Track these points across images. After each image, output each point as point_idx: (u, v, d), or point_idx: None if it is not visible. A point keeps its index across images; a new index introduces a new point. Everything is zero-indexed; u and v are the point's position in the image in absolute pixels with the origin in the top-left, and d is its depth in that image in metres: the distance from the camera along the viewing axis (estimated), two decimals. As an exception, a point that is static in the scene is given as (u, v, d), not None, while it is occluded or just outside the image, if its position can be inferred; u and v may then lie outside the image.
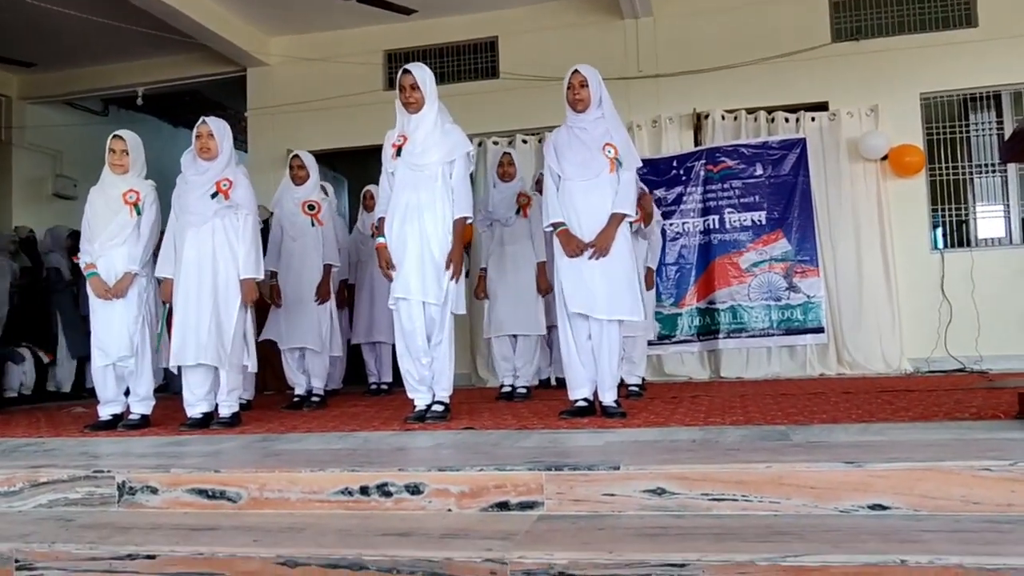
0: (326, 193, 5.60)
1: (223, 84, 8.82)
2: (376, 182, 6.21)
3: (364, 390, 6.40)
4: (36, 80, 8.90)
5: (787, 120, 7.11)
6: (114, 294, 4.24)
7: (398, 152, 3.89)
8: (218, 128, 4.19)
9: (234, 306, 4.09)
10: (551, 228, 3.87)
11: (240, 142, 9.63)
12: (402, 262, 3.84)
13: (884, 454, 2.36)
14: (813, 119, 7.06)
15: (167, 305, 4.26)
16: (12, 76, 8.84)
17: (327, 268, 5.20)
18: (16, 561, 2.26)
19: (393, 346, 6.16)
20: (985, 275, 6.66)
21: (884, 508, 2.16)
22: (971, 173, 7.10)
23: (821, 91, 7.15)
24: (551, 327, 5.67)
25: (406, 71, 3.88)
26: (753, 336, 6.92)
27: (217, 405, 4.21)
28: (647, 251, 5.28)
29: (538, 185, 5.78)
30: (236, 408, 4.25)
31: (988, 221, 7.13)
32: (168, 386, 5.81)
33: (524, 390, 5.34)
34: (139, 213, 4.32)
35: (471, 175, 4.16)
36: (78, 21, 6.99)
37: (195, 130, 4.20)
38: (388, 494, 2.48)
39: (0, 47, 7.21)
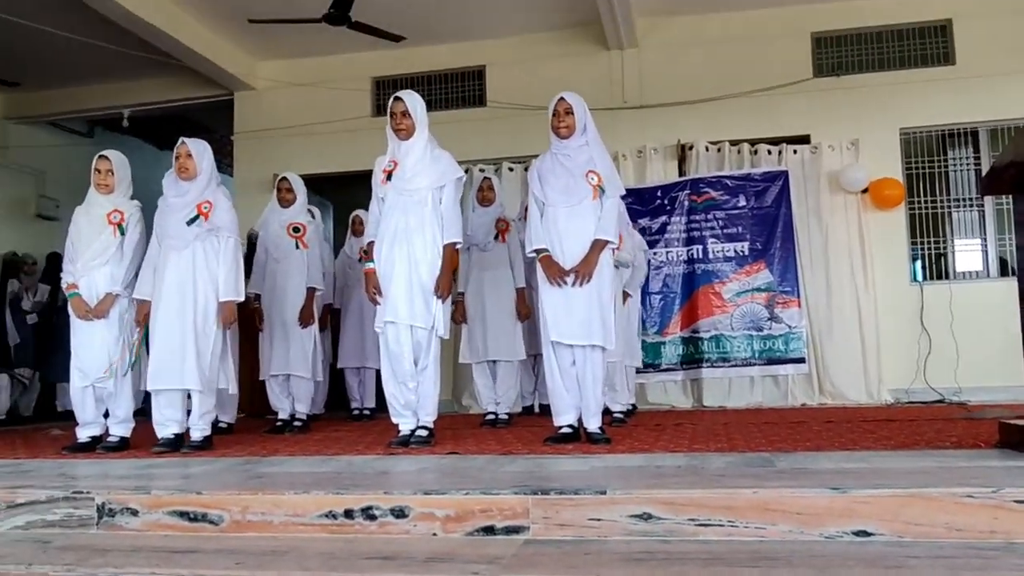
0: (313, 217, 5.60)
1: (209, 107, 8.83)
2: (362, 207, 6.26)
3: (346, 415, 6.36)
4: (21, 99, 8.87)
5: (770, 152, 7.21)
6: (95, 315, 4.21)
7: (388, 177, 3.91)
8: (197, 148, 4.18)
9: (212, 329, 4.07)
10: (534, 254, 3.89)
11: (226, 166, 9.63)
12: (390, 286, 3.84)
13: (868, 481, 2.38)
14: (795, 152, 7.17)
15: (140, 328, 4.23)
16: (-3, 95, 8.83)
17: (310, 292, 5.19)
18: (-9, 583, 2.22)
19: (378, 371, 6.19)
20: (963, 308, 6.75)
21: (868, 534, 2.17)
22: (949, 207, 7.22)
23: (803, 124, 7.28)
24: (537, 354, 5.69)
25: (397, 98, 3.92)
26: (736, 365, 6.95)
27: (189, 428, 4.17)
28: (628, 275, 5.31)
29: (525, 214, 5.82)
30: (208, 431, 4.20)
31: (966, 254, 7.24)
32: (146, 409, 5.75)
33: (506, 416, 5.33)
34: (123, 233, 4.30)
35: (458, 201, 4.18)
36: (65, 41, 7.00)
37: (174, 151, 4.20)
38: (373, 517, 2.46)
39: (-14, 66, 7.18)
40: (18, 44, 7.38)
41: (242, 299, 4.27)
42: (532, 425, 5.05)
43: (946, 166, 7.22)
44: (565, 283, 3.73)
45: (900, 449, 3.21)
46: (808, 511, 2.22)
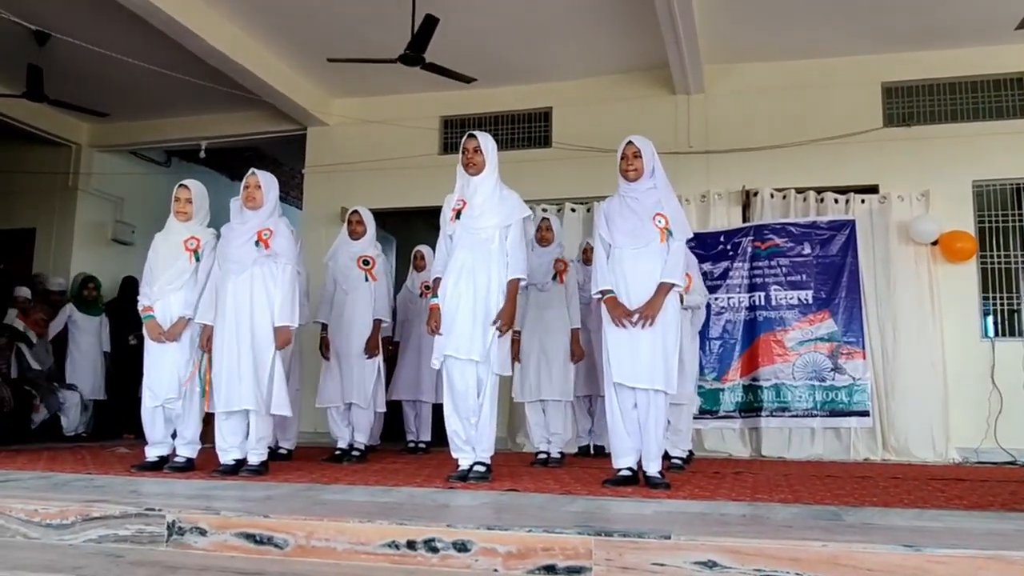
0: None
1: (281, 141, 9.10)
2: (425, 243, 6.38)
3: (402, 447, 6.40)
4: (105, 129, 9.27)
5: (836, 201, 7.12)
6: (168, 338, 4.34)
7: (457, 215, 3.98)
8: (265, 180, 4.32)
9: (268, 353, 4.14)
10: (600, 295, 3.90)
11: (295, 198, 9.91)
12: (455, 320, 3.89)
13: (943, 540, 2.30)
14: (863, 201, 7.06)
15: (204, 352, 4.34)
16: (83, 124, 9.23)
17: (376, 323, 5.27)
18: (68, 594, 2.29)
19: (434, 405, 6.25)
20: (1038, 366, 6.53)
21: (944, 595, 2.10)
22: (1024, 263, 7.01)
23: (872, 174, 7.18)
24: (592, 395, 5.68)
25: (471, 135, 4.01)
26: (796, 416, 6.80)
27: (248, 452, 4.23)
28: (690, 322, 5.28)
29: (585, 255, 5.84)
30: (265, 456, 4.27)
31: (1041, 312, 7.01)
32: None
33: (558, 456, 5.30)
34: (198, 259, 4.43)
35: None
36: (152, 75, 7.32)
37: (244, 181, 4.34)
38: (435, 550, 2.47)
39: (78, 97, 7.52)
40: (110, 77, 7.75)
41: (296, 325, 4.34)
42: (588, 466, 5.03)
43: (1021, 220, 7.03)
44: (630, 324, 3.73)
45: (974, 509, 3.10)
46: (880, 568, 2.16)
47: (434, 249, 4.28)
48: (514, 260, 3.95)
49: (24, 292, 7.55)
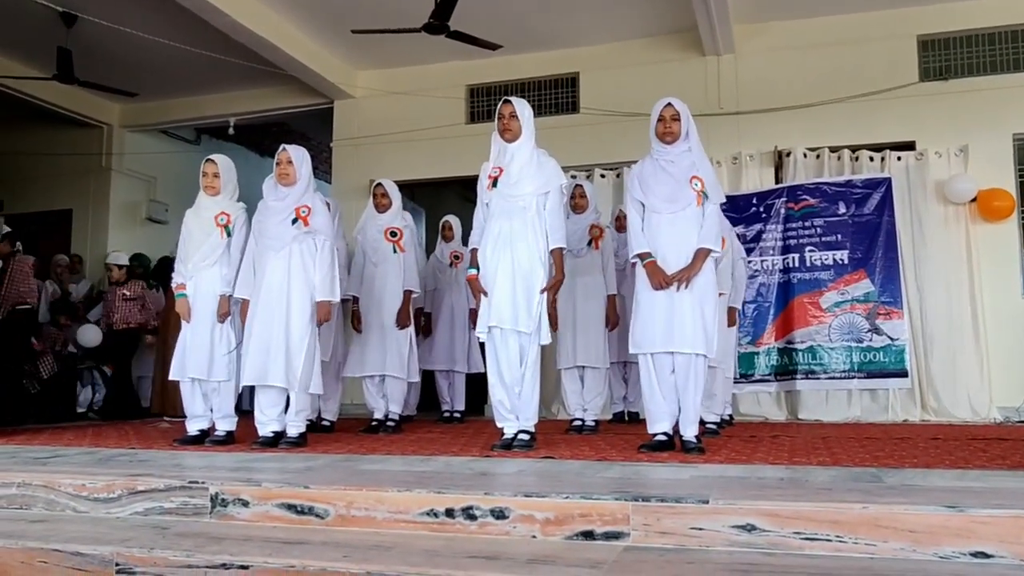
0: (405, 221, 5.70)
1: (308, 116, 9.11)
2: (454, 213, 6.37)
3: (437, 417, 6.44)
4: (135, 109, 9.35)
5: (872, 159, 6.98)
6: (220, 320, 4.38)
7: (494, 183, 3.96)
8: (297, 155, 4.30)
9: (306, 329, 4.15)
10: (636, 260, 3.86)
11: (323, 172, 9.94)
12: (492, 290, 3.88)
13: (986, 500, 2.28)
14: (899, 159, 6.92)
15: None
16: (114, 105, 9.32)
17: (407, 294, 5.29)
18: (117, 564, 2.34)
19: (468, 375, 6.28)
20: (1081, 323, 6.39)
21: (988, 556, 2.08)
22: (1067, 218, 6.83)
23: (908, 130, 7.01)
24: (627, 361, 5.66)
25: (506, 101, 3.98)
26: (833, 378, 6.74)
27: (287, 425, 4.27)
28: (731, 290, 5.22)
29: (619, 222, 5.79)
30: (303, 428, 4.30)
31: (1084, 268, 6.83)
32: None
33: (593, 423, 5.30)
34: (229, 235, 4.45)
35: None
36: (178, 53, 7.35)
37: (276, 157, 4.32)
38: (473, 517, 2.49)
39: (107, 78, 7.57)
40: (138, 57, 7.80)
41: (337, 300, 4.37)
42: (623, 432, 5.03)
43: (1065, 174, 6.84)
44: (667, 286, 3.70)
45: (1018, 469, 3.06)
46: (921, 529, 2.14)
47: (461, 219, 4.26)
48: (553, 229, 3.93)
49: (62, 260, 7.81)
